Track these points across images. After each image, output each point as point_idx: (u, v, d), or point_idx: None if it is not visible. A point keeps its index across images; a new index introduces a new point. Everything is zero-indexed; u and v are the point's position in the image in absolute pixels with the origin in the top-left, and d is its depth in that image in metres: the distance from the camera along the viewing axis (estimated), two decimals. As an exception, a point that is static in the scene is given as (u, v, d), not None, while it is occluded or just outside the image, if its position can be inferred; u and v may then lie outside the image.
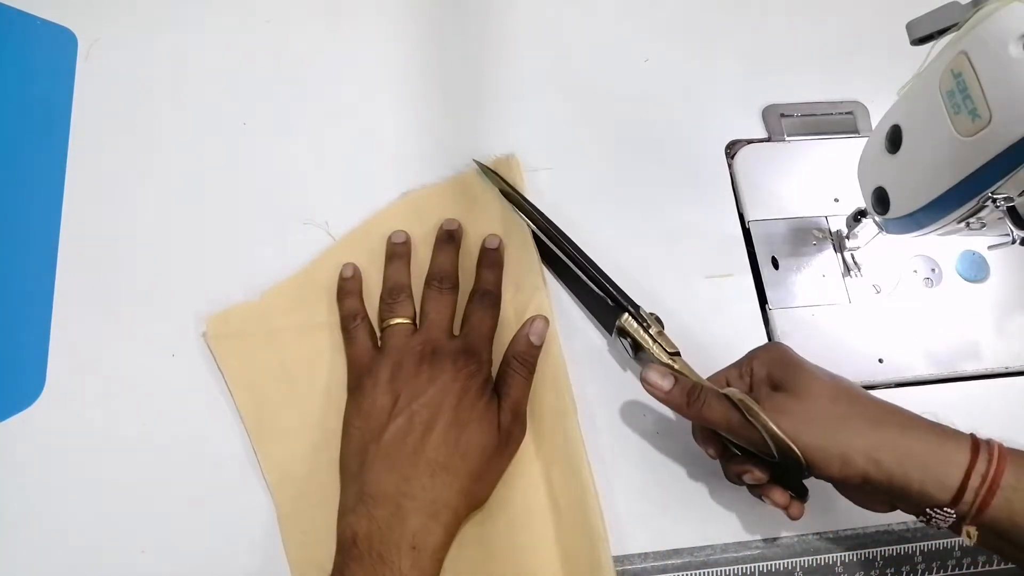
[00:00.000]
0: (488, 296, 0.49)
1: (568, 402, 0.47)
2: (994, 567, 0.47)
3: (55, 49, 0.55)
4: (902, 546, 0.47)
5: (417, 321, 0.48)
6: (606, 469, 0.47)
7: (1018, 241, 0.41)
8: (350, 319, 0.48)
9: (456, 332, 0.48)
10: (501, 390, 0.46)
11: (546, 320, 0.48)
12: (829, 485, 0.48)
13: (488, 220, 0.52)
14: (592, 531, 0.44)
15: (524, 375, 0.46)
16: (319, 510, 0.44)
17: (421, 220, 0.52)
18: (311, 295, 0.50)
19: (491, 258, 0.50)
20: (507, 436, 0.45)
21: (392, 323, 0.47)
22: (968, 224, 0.41)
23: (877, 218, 0.46)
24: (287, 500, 0.45)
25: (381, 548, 0.39)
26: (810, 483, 0.47)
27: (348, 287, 0.49)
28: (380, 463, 0.42)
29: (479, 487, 0.44)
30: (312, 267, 0.51)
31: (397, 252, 0.50)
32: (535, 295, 0.50)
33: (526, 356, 0.47)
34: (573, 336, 0.51)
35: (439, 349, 0.45)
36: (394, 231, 0.51)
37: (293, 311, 0.49)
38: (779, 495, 0.42)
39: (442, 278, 0.49)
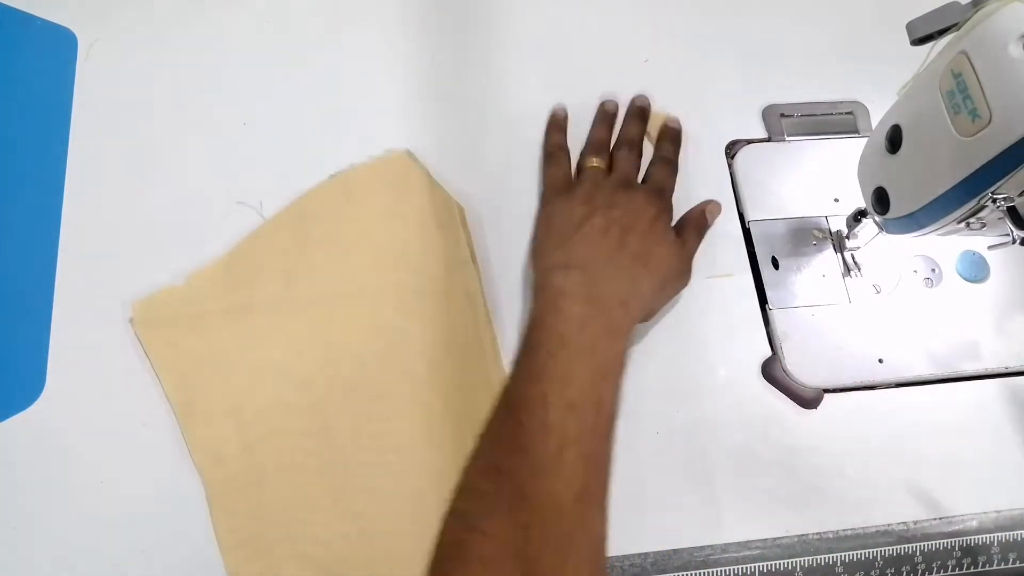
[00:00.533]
0: (669, 162, 0.54)
1: (497, 375, 0.49)
2: (994, 567, 0.47)
3: (55, 49, 0.55)
4: (902, 546, 0.47)
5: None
6: (606, 469, 0.47)
7: (1018, 241, 0.41)
8: (555, 146, 0.54)
9: None
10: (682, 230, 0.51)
11: (719, 206, 0.54)
12: (827, 486, 0.48)
13: (417, 200, 0.52)
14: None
15: (697, 236, 0.52)
16: (249, 491, 0.45)
17: (351, 201, 0.52)
18: (238, 277, 0.50)
19: (672, 132, 0.56)
20: (681, 272, 0.49)
21: (591, 164, 0.52)
22: (968, 224, 0.41)
23: (877, 218, 0.46)
24: (216, 483, 0.45)
25: (594, 296, 0.43)
26: (808, 484, 0.48)
27: (557, 123, 0.55)
28: (580, 243, 0.46)
29: (657, 299, 0.48)
30: (239, 249, 0.51)
31: (605, 113, 0.56)
32: (463, 269, 0.50)
33: (700, 223, 0.52)
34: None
35: (632, 184, 0.51)
36: (609, 101, 0.57)
37: (220, 294, 0.49)
38: None
39: (631, 143, 0.54)
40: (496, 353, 0.48)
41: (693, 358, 0.51)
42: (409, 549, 0.45)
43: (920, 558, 0.47)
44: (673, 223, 0.52)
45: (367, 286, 0.50)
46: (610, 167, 0.53)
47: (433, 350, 0.49)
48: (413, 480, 0.46)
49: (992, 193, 0.38)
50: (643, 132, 0.55)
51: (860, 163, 0.47)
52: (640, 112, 0.56)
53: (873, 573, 0.47)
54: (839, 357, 0.51)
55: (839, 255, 0.54)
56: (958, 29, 0.37)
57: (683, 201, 0.55)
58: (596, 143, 0.54)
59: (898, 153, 0.42)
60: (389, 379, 0.48)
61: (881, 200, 0.45)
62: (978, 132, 0.36)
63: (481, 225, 0.53)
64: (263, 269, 0.50)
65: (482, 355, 0.48)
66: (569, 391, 0.39)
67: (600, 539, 0.38)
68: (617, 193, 0.49)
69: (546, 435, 0.38)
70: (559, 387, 0.39)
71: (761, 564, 0.46)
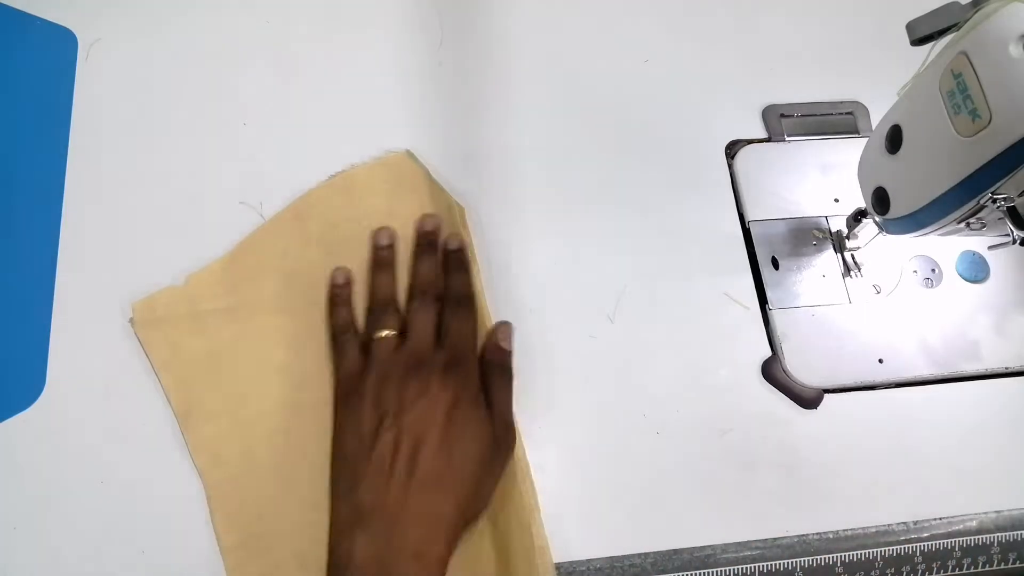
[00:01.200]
0: (463, 302, 0.48)
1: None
2: (994, 567, 0.47)
3: (55, 49, 0.55)
4: (902, 546, 0.47)
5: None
6: (606, 470, 0.47)
7: (1018, 241, 0.41)
8: (340, 331, 0.47)
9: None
10: (486, 399, 0.45)
11: (510, 324, 0.48)
12: (827, 486, 0.48)
13: (417, 200, 0.53)
14: (523, 499, 0.45)
15: (505, 379, 0.46)
16: (249, 491, 0.45)
17: (352, 201, 0.52)
18: (238, 278, 0.50)
19: (456, 260, 0.49)
20: (499, 445, 0.44)
21: (377, 336, 0.46)
22: (968, 224, 0.41)
23: (877, 218, 0.46)
24: (216, 483, 0.45)
25: (385, 558, 0.39)
26: (808, 484, 0.47)
27: (340, 296, 0.48)
28: (372, 480, 0.41)
29: (475, 499, 0.43)
30: (238, 249, 0.51)
31: (382, 259, 0.49)
32: None
33: (502, 361, 0.46)
34: (564, 329, 0.51)
35: (425, 361, 0.45)
36: (378, 231, 0.50)
37: (220, 294, 0.49)
38: None
39: (425, 289, 0.48)
40: None
41: (693, 358, 0.51)
42: None
43: (920, 558, 0.47)
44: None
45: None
46: (404, 323, 0.47)
47: None
48: None
49: (992, 193, 0.38)
50: (436, 267, 0.49)
51: (860, 163, 0.47)
52: (428, 241, 0.50)
53: (873, 573, 0.47)
54: (839, 357, 0.51)
55: (839, 255, 0.54)
56: (958, 29, 0.37)
57: (682, 203, 0.55)
58: (380, 300, 0.48)
59: (898, 153, 0.42)
60: None
61: (881, 200, 0.45)
62: (978, 132, 0.36)
63: (481, 225, 0.53)
64: (263, 269, 0.50)
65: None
66: None
67: None
68: (408, 384, 0.43)
69: None
70: None
71: (761, 564, 0.46)
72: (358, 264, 0.51)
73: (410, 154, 0.54)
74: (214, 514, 0.45)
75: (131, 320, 0.48)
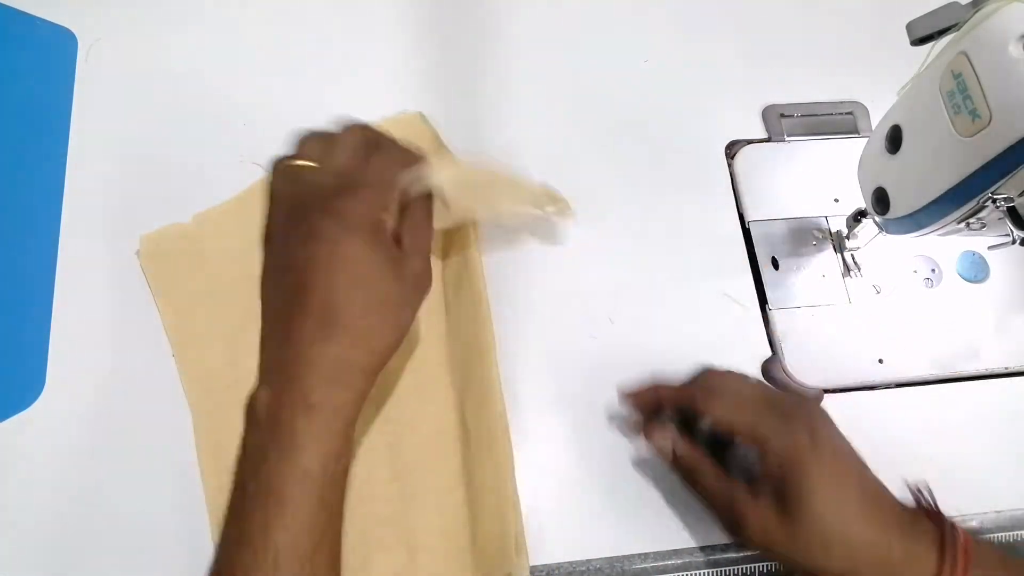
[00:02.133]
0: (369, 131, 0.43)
1: (488, 337, 0.48)
2: (994, 567, 0.47)
3: (55, 49, 0.55)
4: (902, 546, 0.47)
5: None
6: (606, 469, 0.47)
7: (1018, 241, 0.41)
8: (282, 158, 0.42)
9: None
10: (403, 229, 0.40)
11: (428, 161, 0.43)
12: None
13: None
14: (499, 460, 0.45)
15: (427, 209, 0.42)
16: (235, 425, 0.45)
17: None
18: (242, 220, 0.51)
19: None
20: (413, 282, 0.40)
21: (290, 162, 0.41)
22: (968, 224, 0.41)
23: (877, 218, 0.46)
24: (204, 413, 0.46)
25: (276, 410, 0.36)
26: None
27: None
28: (271, 328, 0.39)
29: (382, 342, 0.39)
30: (245, 194, 0.52)
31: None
32: (462, 229, 0.50)
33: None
34: (565, 330, 0.51)
35: (322, 190, 0.39)
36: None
37: (224, 235, 0.50)
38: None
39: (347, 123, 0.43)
40: (487, 311, 0.49)
41: (693, 358, 0.50)
42: (387, 491, 0.45)
43: (920, 558, 0.47)
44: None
45: None
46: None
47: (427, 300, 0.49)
48: (392, 414, 0.47)
49: (992, 193, 0.38)
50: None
51: (860, 163, 0.47)
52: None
53: (873, 573, 0.47)
54: (839, 357, 0.51)
55: (839, 255, 0.54)
56: (958, 29, 0.37)
57: (682, 204, 0.55)
58: (305, 133, 0.43)
59: (898, 153, 0.43)
60: None
61: (881, 200, 0.45)
62: (978, 132, 0.36)
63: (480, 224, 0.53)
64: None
65: (476, 311, 0.49)
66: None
67: None
68: (312, 212, 0.39)
69: None
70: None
71: (761, 564, 0.46)
72: None
73: (422, 116, 0.54)
74: (200, 445, 0.46)
75: (137, 252, 0.49)
